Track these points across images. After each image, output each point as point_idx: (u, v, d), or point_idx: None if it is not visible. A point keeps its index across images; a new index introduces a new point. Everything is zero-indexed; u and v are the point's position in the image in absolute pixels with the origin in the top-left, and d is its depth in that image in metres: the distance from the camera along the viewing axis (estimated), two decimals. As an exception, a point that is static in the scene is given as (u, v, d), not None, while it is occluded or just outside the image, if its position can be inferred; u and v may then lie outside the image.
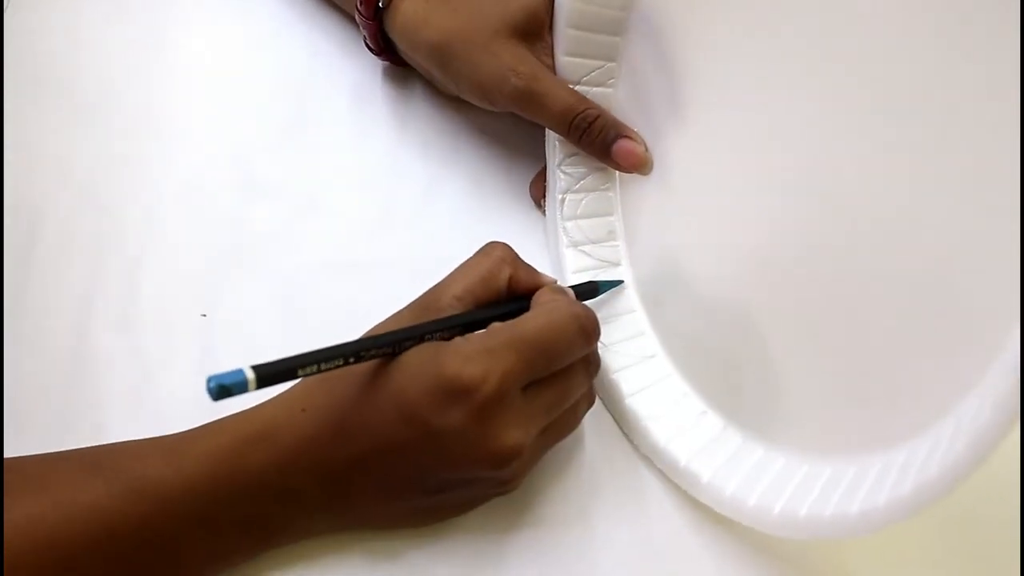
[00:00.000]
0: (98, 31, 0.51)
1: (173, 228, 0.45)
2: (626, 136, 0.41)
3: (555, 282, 0.37)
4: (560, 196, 0.43)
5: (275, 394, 0.34)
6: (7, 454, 0.35)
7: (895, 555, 0.36)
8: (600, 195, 0.43)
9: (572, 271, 0.43)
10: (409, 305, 0.35)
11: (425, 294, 0.35)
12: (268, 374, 0.28)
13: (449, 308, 0.34)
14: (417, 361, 0.32)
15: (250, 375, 0.27)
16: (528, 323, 0.33)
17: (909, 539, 0.36)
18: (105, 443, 0.34)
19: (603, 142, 0.41)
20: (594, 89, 0.42)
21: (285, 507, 0.33)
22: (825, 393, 0.34)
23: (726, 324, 0.37)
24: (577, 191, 0.43)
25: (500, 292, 0.35)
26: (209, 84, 0.49)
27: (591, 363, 0.36)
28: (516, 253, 0.37)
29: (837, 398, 0.34)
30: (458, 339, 0.32)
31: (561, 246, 0.43)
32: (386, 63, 0.48)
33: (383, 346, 0.32)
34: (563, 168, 0.43)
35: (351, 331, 0.34)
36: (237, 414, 0.33)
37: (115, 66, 0.50)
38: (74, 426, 0.39)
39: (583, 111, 0.41)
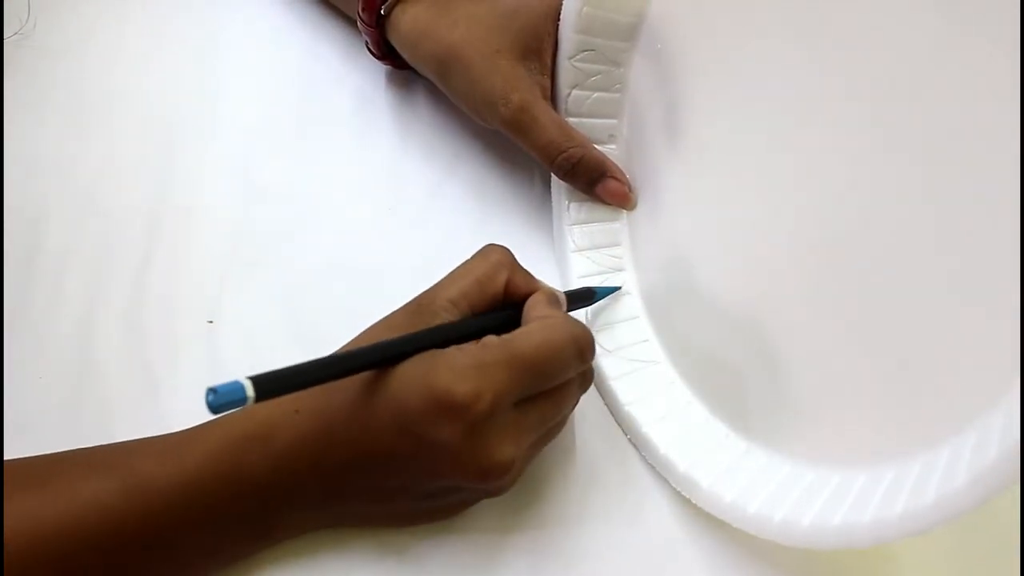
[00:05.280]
0: (100, 36, 0.51)
1: (177, 234, 0.45)
2: (610, 176, 0.42)
3: (552, 290, 0.36)
4: (567, 202, 0.43)
5: None
6: (13, 462, 0.35)
7: (892, 558, 0.36)
8: (606, 201, 0.43)
9: (577, 276, 0.42)
10: (403, 307, 0.35)
11: (420, 296, 0.35)
12: (267, 390, 0.28)
13: (442, 311, 0.33)
14: (411, 371, 0.31)
15: (250, 392, 0.27)
16: (524, 341, 0.32)
17: (907, 542, 0.35)
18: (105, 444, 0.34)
19: (586, 181, 0.42)
20: (596, 94, 0.42)
21: (282, 505, 0.33)
22: (833, 402, 0.34)
23: (731, 332, 0.37)
24: (583, 197, 0.43)
25: (496, 297, 0.35)
26: (212, 89, 0.49)
27: (585, 379, 0.36)
28: (514, 257, 0.36)
29: (846, 407, 0.33)
30: (452, 350, 0.32)
31: (567, 251, 0.43)
32: (389, 67, 0.48)
33: (377, 361, 0.32)
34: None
35: (356, 336, 0.35)
36: (233, 413, 0.33)
37: (117, 71, 0.50)
38: (80, 435, 0.38)
39: (566, 151, 0.41)
